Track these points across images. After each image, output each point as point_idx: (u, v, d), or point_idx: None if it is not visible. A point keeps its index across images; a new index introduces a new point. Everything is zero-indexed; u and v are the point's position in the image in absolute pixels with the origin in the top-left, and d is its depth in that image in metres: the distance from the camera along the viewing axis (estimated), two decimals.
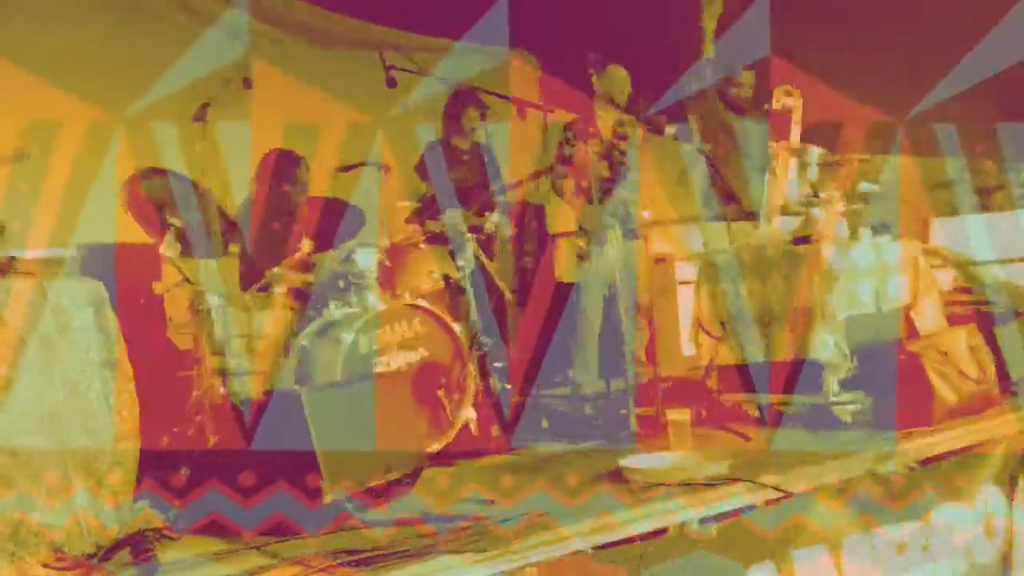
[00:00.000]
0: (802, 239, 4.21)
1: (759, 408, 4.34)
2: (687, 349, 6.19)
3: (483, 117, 5.36)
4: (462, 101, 5.24)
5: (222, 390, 4.07)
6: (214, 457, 3.32)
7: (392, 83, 4.59)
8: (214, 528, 2.84)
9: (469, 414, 4.19)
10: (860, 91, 5.93)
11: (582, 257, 5.30)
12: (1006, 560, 4.03)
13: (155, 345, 4.86)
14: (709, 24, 5.39)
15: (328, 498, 2.74)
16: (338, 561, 2.47)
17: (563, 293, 5.59)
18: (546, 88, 6.91)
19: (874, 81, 5.95)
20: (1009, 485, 4.03)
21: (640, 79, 5.66)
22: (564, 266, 6.09)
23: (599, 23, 5.81)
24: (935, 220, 6.01)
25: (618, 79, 5.43)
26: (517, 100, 5.00)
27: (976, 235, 5.64)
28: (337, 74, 6.02)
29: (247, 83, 4.19)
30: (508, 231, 5.22)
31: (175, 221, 4.12)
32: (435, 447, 4.02)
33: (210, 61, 4.94)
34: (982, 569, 3.86)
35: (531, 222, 6.14)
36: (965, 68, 5.40)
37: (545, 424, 4.61)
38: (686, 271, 6.45)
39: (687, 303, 5.45)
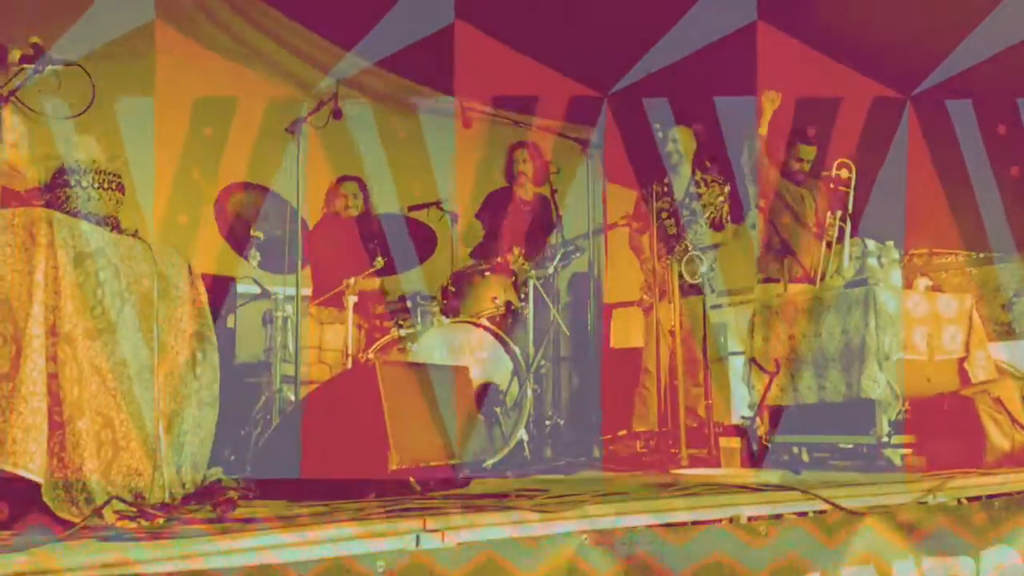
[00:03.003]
0: (856, 283, 4.31)
1: (807, 451, 4.39)
2: (737, 414, 6.27)
3: (541, 165, 5.61)
4: (512, 148, 5.58)
5: (292, 397, 4.26)
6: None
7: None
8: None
9: (523, 434, 4.31)
10: (861, 61, 5.35)
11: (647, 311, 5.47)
12: None
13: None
14: (768, 110, 5.58)
15: (393, 466, 2.88)
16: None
17: (619, 358, 5.75)
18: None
19: (876, 50, 5.35)
20: None
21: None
22: (619, 334, 6.25)
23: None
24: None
25: (684, 138, 5.66)
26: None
27: None
28: None
29: (338, 114, 4.41)
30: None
31: (258, 234, 4.41)
32: (489, 462, 4.13)
33: None
34: None
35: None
36: (979, 37, 4.80)
37: (596, 453, 4.70)
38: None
39: (737, 372, 5.57)
